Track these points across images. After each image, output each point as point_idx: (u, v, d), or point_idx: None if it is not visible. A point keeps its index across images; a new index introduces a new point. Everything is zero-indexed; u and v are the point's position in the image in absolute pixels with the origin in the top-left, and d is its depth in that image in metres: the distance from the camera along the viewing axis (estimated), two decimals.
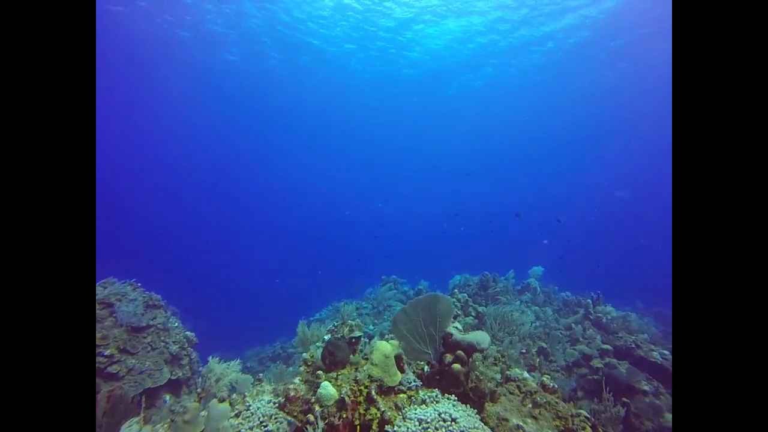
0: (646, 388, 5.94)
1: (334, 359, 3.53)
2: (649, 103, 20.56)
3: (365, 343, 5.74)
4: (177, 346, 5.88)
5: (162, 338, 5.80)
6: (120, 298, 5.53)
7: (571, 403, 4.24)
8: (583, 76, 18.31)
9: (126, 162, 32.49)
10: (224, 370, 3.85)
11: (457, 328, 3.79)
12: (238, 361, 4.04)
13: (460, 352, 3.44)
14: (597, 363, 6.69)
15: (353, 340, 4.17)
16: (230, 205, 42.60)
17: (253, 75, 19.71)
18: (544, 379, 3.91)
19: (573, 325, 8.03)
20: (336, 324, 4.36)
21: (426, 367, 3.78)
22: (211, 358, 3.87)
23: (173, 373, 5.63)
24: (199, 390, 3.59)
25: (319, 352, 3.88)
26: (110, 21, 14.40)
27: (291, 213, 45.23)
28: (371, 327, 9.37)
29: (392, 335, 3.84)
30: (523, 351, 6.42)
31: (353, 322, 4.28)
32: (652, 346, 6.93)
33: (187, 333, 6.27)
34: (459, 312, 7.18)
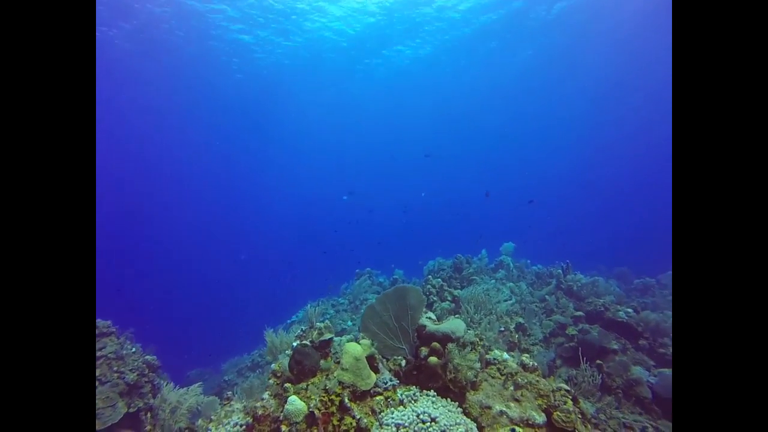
0: (616, 347, 6.11)
1: (302, 368, 3.22)
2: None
3: (341, 342, 5.47)
4: (135, 374, 5.32)
5: (115, 368, 5.22)
6: None
7: (552, 377, 4.19)
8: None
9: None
10: (181, 397, 3.44)
11: (430, 318, 3.58)
12: (198, 384, 3.64)
13: (435, 344, 3.24)
14: (571, 330, 6.81)
15: (324, 344, 3.87)
16: (195, 214, 40.32)
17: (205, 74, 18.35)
18: (524, 358, 3.80)
19: (547, 297, 8.15)
20: (304, 329, 4.03)
21: (403, 362, 3.57)
22: (165, 385, 3.44)
23: (132, 405, 5.09)
24: (147, 428, 3.17)
25: (288, 361, 3.55)
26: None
27: (255, 217, 43.62)
28: (349, 323, 9.10)
29: (363, 334, 3.57)
30: (502, 329, 6.39)
31: (322, 324, 3.97)
32: (618, 307, 7.16)
33: (148, 357, 5.71)
34: (435, 298, 7.05)
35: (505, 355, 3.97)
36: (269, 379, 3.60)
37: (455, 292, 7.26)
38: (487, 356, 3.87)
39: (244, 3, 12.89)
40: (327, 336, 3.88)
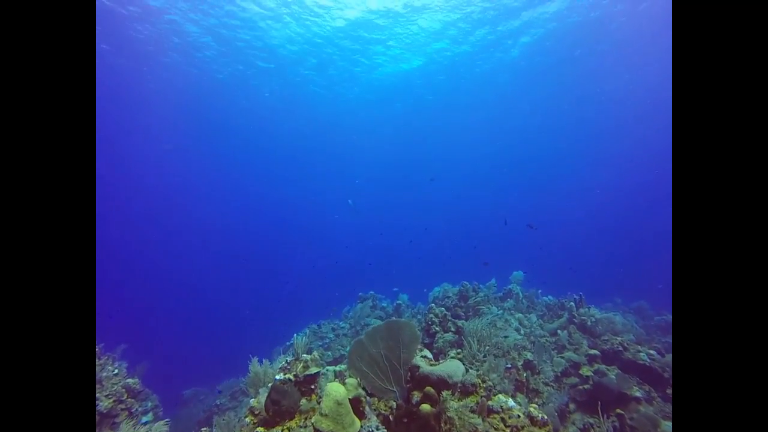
0: (638, 394, 5.48)
1: (278, 409, 2.83)
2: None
3: (332, 375, 5.03)
4: (110, 401, 4.97)
5: None
6: None
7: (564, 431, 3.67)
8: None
9: None
10: None
11: (425, 357, 3.18)
12: (164, 422, 3.27)
13: (429, 389, 2.82)
14: (586, 371, 6.20)
15: (309, 379, 3.48)
16: (200, 223, 40.43)
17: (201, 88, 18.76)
18: (532, 409, 3.32)
19: (558, 331, 7.56)
20: (289, 360, 3.66)
21: (394, 404, 3.14)
22: (124, 422, 3.09)
23: None
24: None
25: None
26: None
27: (264, 228, 43.49)
28: (348, 349, 8.61)
29: (349, 372, 3.18)
30: (509, 366, 5.85)
31: (308, 357, 3.59)
32: (639, 347, 6.53)
33: (129, 380, 5.37)
34: (438, 329, 6.57)
35: (511, 402, 3.49)
36: (246, 416, 3.21)
37: (459, 323, 6.77)
38: (490, 402, 3.40)
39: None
40: (313, 370, 3.49)
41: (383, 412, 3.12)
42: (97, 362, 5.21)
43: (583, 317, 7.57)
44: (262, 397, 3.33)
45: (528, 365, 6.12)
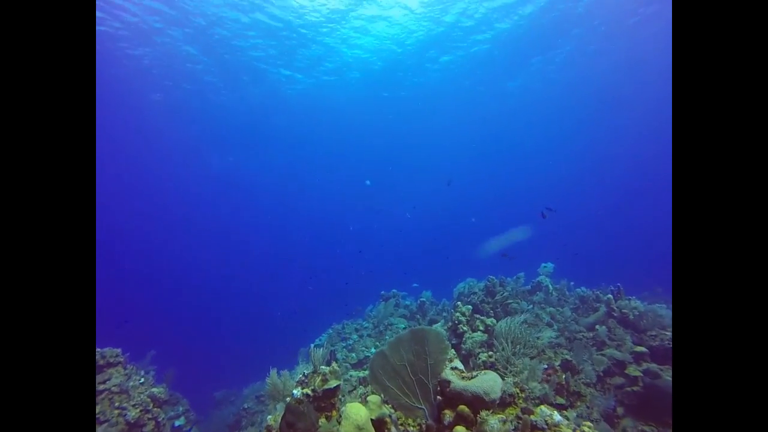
0: None
1: None
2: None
3: (355, 384, 4.70)
4: (137, 410, 4.86)
5: (117, 404, 4.78)
6: None
7: None
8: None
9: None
10: None
11: (456, 369, 2.77)
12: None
13: (463, 408, 2.42)
14: (633, 371, 5.57)
15: (328, 393, 3.15)
16: (218, 238, 41.13)
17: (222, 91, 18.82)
18: (585, 429, 2.83)
19: (596, 326, 6.91)
20: (307, 372, 3.34)
21: (423, 423, 2.76)
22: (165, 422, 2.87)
23: None
24: None
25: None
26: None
27: (278, 239, 43.70)
28: (373, 350, 8.28)
29: (371, 388, 2.82)
30: (545, 366, 5.33)
31: (327, 369, 3.26)
32: None
33: (154, 390, 5.25)
34: (465, 328, 6.12)
35: (557, 416, 3.02)
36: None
37: (488, 321, 6.28)
38: (533, 417, 2.94)
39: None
40: (333, 383, 3.16)
41: (412, 430, 2.74)
42: (123, 371, 5.12)
43: (624, 310, 6.88)
44: (279, 414, 3.03)
45: (566, 365, 5.56)
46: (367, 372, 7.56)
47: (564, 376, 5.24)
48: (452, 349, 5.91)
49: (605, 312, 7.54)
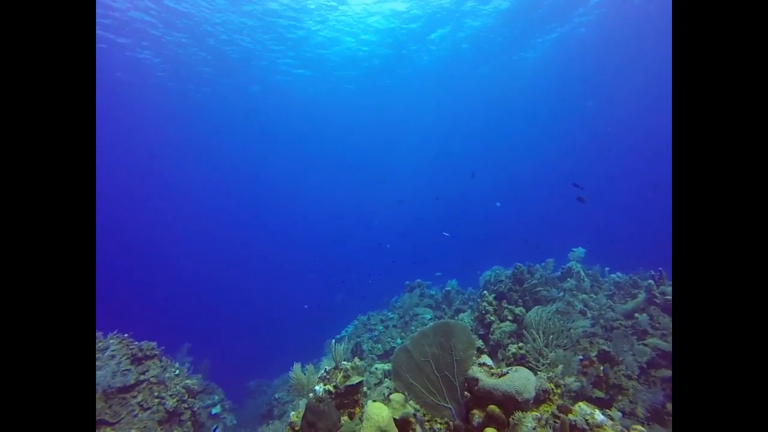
0: None
1: None
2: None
3: (380, 377, 4.59)
4: (174, 400, 5.01)
5: (156, 393, 4.95)
6: (97, 356, 4.74)
7: None
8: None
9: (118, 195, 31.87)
10: None
11: (484, 365, 2.55)
12: None
13: (493, 409, 2.21)
14: None
15: (351, 390, 3.03)
16: (242, 231, 42.15)
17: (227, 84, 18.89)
18: None
19: (636, 314, 6.42)
20: (328, 369, 3.24)
21: (451, 424, 2.58)
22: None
23: None
24: None
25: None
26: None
27: (302, 230, 44.17)
28: (399, 341, 8.18)
29: (395, 384, 2.66)
30: (581, 358, 4.99)
31: (348, 365, 3.14)
32: None
33: (188, 381, 5.40)
34: (493, 318, 5.85)
35: (599, 416, 2.74)
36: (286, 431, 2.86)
37: (517, 310, 5.97)
38: (572, 416, 2.68)
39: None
40: (355, 380, 3.04)
41: (438, 430, 2.57)
42: (159, 363, 5.29)
43: (668, 296, 6.33)
44: (302, 411, 2.95)
45: (604, 356, 5.18)
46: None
47: (602, 368, 4.88)
48: (480, 341, 5.68)
49: (645, 299, 6.99)
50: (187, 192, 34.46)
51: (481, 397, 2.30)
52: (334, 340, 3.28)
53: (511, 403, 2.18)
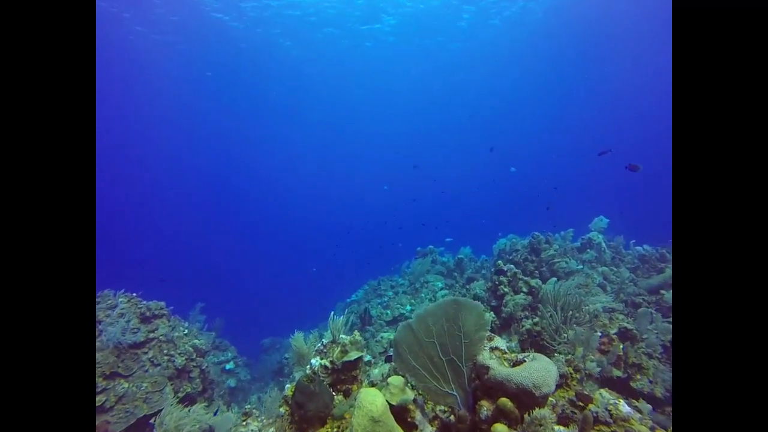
0: None
1: (304, 414, 2.17)
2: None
3: (385, 346, 4.38)
4: (183, 358, 5.03)
5: (165, 351, 4.97)
6: (107, 314, 4.72)
7: None
8: None
9: (127, 167, 32.22)
10: (181, 420, 2.72)
11: (497, 350, 2.19)
12: (202, 405, 2.89)
13: (504, 402, 1.88)
14: None
15: (349, 366, 2.79)
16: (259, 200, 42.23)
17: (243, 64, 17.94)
18: None
19: (662, 291, 5.92)
20: (326, 342, 2.99)
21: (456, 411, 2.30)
22: (166, 407, 2.76)
23: (180, 389, 4.80)
24: None
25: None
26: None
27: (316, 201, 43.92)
28: (408, 307, 8.04)
29: (395, 365, 2.37)
30: (600, 334, 4.63)
31: (347, 339, 2.87)
32: None
33: (196, 341, 5.41)
34: (506, 289, 5.49)
35: (624, 406, 2.40)
36: (280, 407, 2.67)
37: (533, 282, 5.57)
38: (594, 408, 2.35)
39: None
40: (353, 355, 2.78)
41: (442, 416, 2.29)
42: (167, 323, 5.28)
43: None
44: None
45: (625, 334, 4.80)
46: None
47: (621, 347, 4.51)
48: (492, 313, 5.38)
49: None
50: (204, 155, 34.46)
51: (492, 388, 1.97)
52: (333, 312, 3.00)
53: (526, 398, 1.84)
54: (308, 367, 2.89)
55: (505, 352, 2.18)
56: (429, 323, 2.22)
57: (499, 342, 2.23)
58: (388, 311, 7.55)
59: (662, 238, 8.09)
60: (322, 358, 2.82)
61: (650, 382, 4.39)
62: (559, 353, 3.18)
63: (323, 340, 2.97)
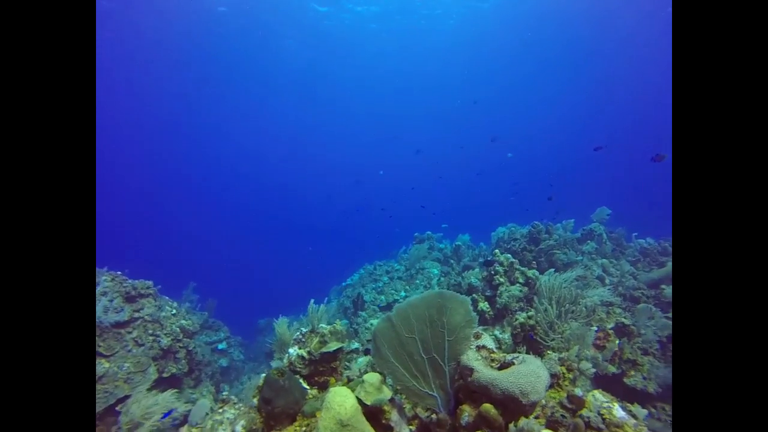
0: None
1: (271, 411, 1.99)
2: None
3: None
4: (169, 339, 4.91)
5: (150, 331, 4.84)
6: None
7: None
8: None
9: (126, 158, 31.56)
10: (149, 408, 2.57)
11: (483, 349, 1.99)
12: (172, 392, 2.74)
13: (488, 408, 1.68)
14: None
15: (327, 358, 2.60)
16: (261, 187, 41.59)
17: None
18: None
19: (663, 286, 5.71)
20: (304, 331, 2.80)
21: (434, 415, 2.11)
22: (134, 394, 2.60)
23: (165, 370, 4.70)
24: None
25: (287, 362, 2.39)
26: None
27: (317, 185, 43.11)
28: (402, 293, 7.90)
29: (373, 360, 2.18)
30: (596, 330, 4.44)
31: (326, 329, 2.68)
32: None
33: (183, 321, 5.29)
34: (502, 279, 5.29)
35: (618, 410, 2.21)
36: (254, 397, 2.51)
37: (529, 273, 5.36)
38: (586, 413, 2.16)
39: None
40: (332, 346, 2.59)
41: (422, 416, 2.11)
42: (154, 303, 5.14)
43: None
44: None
45: (621, 330, 4.61)
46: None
47: (617, 342, 4.33)
48: (486, 303, 5.20)
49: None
50: (198, 139, 33.65)
51: (476, 391, 1.77)
52: (312, 300, 2.80)
53: (512, 405, 1.64)
54: (286, 356, 2.72)
55: (493, 351, 1.97)
56: (410, 317, 2.01)
57: (487, 340, 2.02)
58: (382, 297, 7.41)
59: (665, 230, 7.82)
60: (300, 348, 2.64)
61: (644, 378, 4.24)
62: (552, 350, 2.99)
63: (302, 328, 2.78)
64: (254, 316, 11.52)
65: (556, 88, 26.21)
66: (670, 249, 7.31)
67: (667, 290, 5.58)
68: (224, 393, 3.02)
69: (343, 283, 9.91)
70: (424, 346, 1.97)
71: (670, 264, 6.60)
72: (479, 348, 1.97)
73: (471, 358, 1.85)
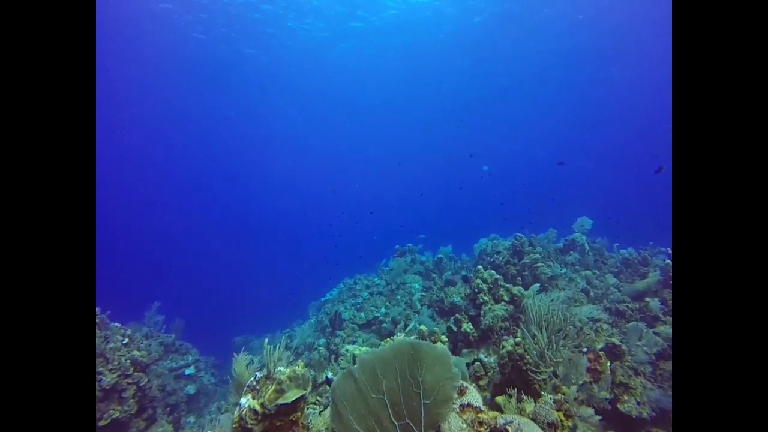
0: None
1: None
2: None
3: (350, 360, 3.76)
4: (115, 375, 4.26)
5: None
6: None
7: None
8: None
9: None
10: None
11: (470, 409, 1.59)
12: None
13: None
14: None
15: (284, 410, 2.14)
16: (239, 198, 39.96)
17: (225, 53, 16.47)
18: None
19: (647, 298, 5.53)
20: (259, 377, 2.32)
21: None
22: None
23: (106, 414, 4.05)
24: None
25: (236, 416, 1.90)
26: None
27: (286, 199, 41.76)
28: (383, 310, 7.45)
29: (332, 424, 1.74)
30: (585, 350, 4.13)
31: (285, 374, 2.22)
32: None
33: (135, 353, 4.64)
34: (486, 298, 4.95)
35: None
36: None
37: (515, 290, 5.05)
38: None
39: None
40: (290, 396, 2.12)
41: None
42: (99, 333, 4.49)
43: None
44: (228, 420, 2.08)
45: (612, 350, 4.34)
46: (372, 336, 6.78)
47: (609, 365, 4.04)
48: (470, 324, 4.83)
49: (659, 280, 6.06)
50: (170, 151, 31.65)
51: None
52: (267, 340, 2.32)
53: None
54: (237, 409, 2.23)
55: (480, 411, 1.58)
56: (378, 373, 1.59)
57: (473, 396, 1.63)
58: (362, 314, 6.94)
59: (645, 239, 7.76)
60: (253, 398, 2.17)
61: (638, 403, 3.95)
62: (546, 392, 2.63)
63: (256, 373, 2.31)
64: (230, 332, 10.76)
65: (532, 104, 26.71)
66: (650, 258, 7.22)
67: (653, 303, 5.39)
68: (187, 427, 2.48)
69: (322, 299, 9.37)
70: (394, 410, 1.55)
71: (652, 275, 6.47)
72: (463, 408, 1.57)
73: (454, 427, 1.45)
